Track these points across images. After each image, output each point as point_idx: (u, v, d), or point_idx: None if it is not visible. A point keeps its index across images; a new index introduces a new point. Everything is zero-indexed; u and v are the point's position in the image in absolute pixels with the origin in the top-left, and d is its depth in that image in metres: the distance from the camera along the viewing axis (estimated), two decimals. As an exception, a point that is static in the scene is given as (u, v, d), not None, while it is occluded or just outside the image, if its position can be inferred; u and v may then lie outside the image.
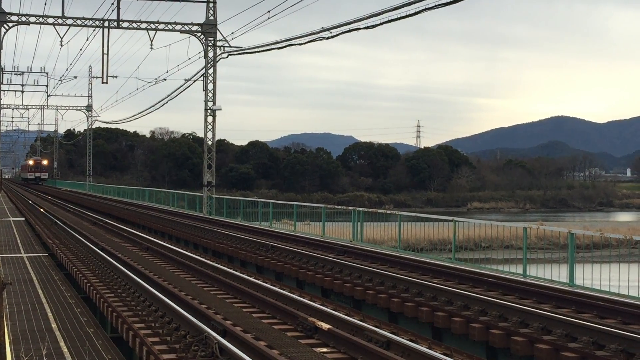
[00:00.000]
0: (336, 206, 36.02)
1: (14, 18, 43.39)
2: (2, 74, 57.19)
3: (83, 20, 43.72)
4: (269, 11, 33.28)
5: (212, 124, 44.54)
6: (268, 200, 38.32)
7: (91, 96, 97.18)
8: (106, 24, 43.67)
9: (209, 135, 44.84)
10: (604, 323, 12.20)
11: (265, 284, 16.36)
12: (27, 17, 43.60)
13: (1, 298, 7.04)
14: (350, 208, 28.84)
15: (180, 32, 44.51)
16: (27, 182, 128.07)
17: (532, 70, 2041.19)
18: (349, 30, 29.53)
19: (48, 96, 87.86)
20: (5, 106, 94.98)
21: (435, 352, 10.31)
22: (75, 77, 79.62)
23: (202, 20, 44.39)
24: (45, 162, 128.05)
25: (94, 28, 44.23)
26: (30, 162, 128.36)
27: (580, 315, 13.08)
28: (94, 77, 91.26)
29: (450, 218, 23.17)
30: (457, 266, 19.26)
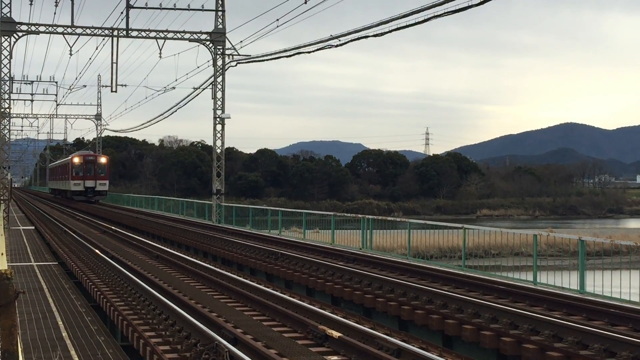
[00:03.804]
0: (345, 214, 35.98)
1: (24, 27, 43.58)
2: (12, 83, 57.46)
3: (92, 30, 43.90)
4: (277, 20, 33.30)
5: (221, 132, 44.64)
6: (277, 208, 38.33)
7: (100, 105, 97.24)
8: (115, 32, 43.84)
9: (218, 143, 44.92)
10: (615, 330, 12.16)
11: (275, 292, 16.36)
12: (37, 27, 43.79)
13: (14, 307, 7.07)
14: (360, 216, 28.82)
15: (189, 41, 44.65)
16: (62, 197, 78.98)
17: (537, 77, 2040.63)
18: (358, 38, 29.50)
19: (57, 105, 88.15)
20: (14, 115, 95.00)
21: (446, 360, 10.30)
22: (85, 85, 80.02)
23: (210, 29, 44.52)
24: (103, 159, 73.26)
25: (103, 37, 44.43)
26: (76, 160, 71.36)
27: (591, 322, 13.04)
28: (103, 86, 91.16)
29: (459, 225, 23.15)
30: (467, 273, 19.22)
